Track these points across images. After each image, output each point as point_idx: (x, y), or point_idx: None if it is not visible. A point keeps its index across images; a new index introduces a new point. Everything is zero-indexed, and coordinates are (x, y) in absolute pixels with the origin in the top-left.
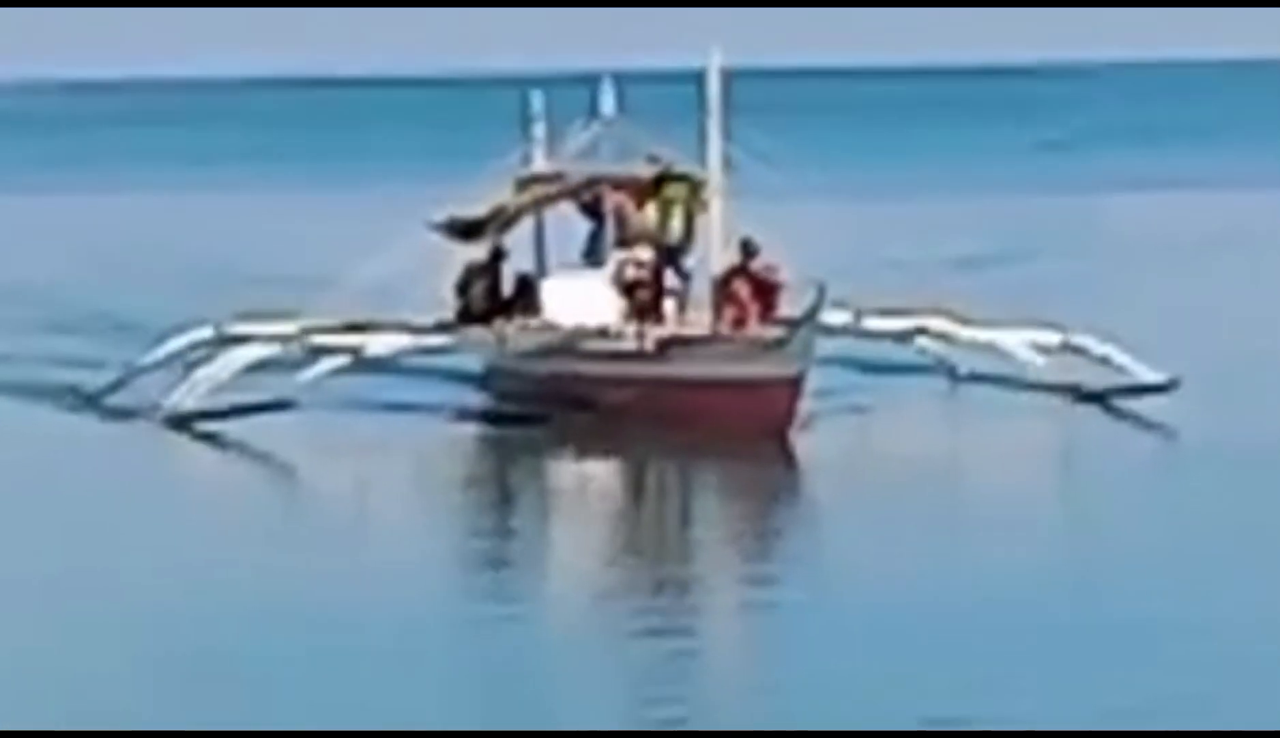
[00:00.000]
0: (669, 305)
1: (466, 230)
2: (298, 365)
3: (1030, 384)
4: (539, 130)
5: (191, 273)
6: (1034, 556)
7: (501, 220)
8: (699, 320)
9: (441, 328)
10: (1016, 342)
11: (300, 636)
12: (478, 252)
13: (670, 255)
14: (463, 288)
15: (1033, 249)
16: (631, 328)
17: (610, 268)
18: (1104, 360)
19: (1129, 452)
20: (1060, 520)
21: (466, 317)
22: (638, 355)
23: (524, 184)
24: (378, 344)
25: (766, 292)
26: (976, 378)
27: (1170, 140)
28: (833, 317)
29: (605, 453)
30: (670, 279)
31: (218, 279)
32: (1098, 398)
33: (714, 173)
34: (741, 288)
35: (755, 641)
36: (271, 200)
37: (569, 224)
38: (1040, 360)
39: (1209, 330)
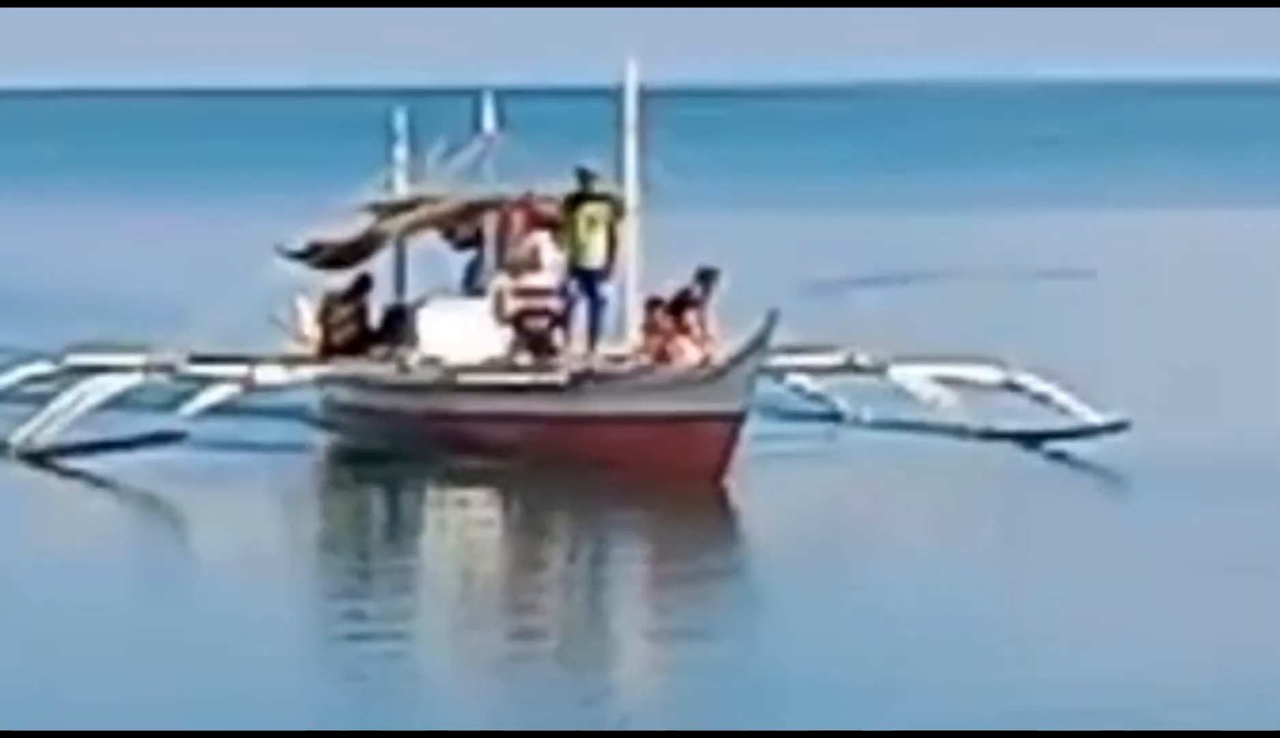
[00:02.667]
0: (578, 335)
1: (333, 258)
2: (168, 397)
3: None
4: (401, 152)
5: (9, 298)
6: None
7: (369, 247)
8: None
9: (329, 356)
10: (924, 379)
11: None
12: (338, 280)
13: (589, 280)
14: (324, 318)
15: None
16: (524, 360)
17: (490, 297)
18: (1043, 399)
19: (1071, 494)
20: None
21: (329, 350)
22: (542, 389)
23: (384, 210)
24: (269, 373)
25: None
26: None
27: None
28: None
29: (496, 494)
30: (583, 307)
31: (41, 305)
32: (1030, 439)
33: (631, 191)
34: (665, 319)
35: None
36: (95, 218)
37: (431, 253)
38: (945, 399)
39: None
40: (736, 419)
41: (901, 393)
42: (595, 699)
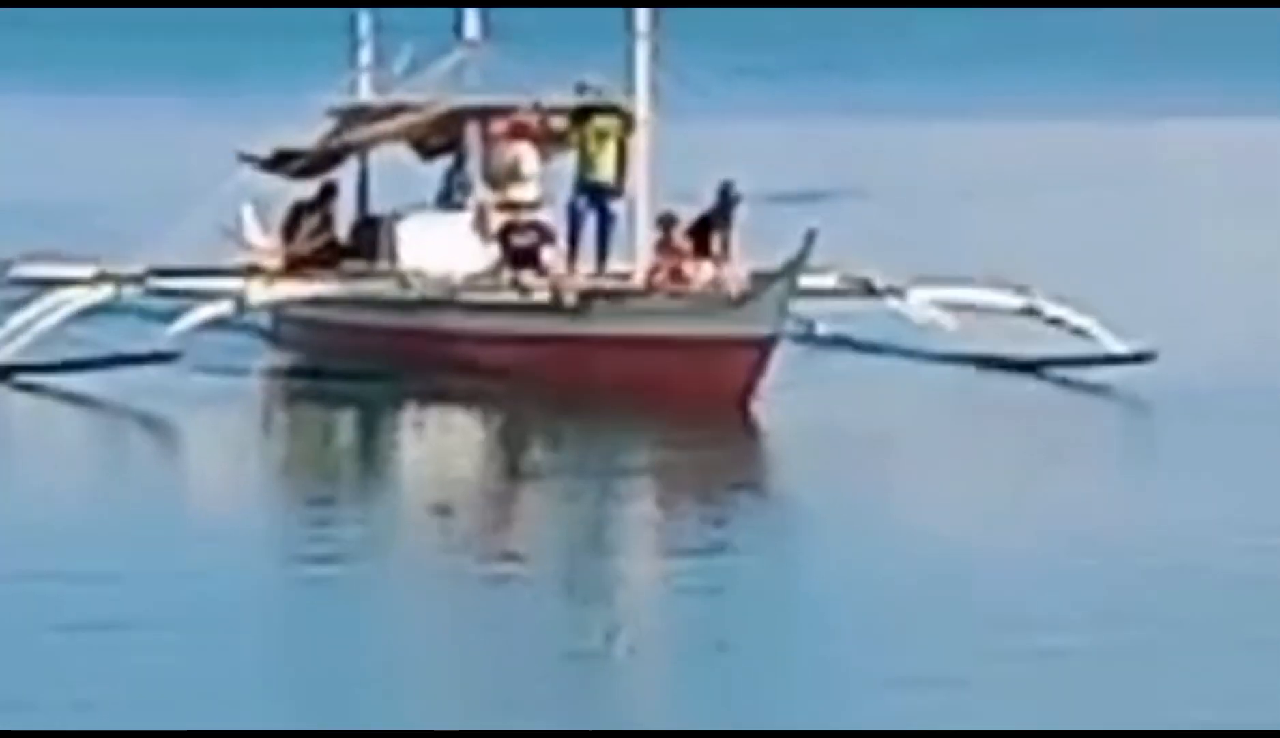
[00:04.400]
0: (586, 253)
1: (306, 168)
2: (145, 312)
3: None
4: (365, 55)
5: None
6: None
7: (343, 155)
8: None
9: (296, 269)
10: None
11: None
12: (302, 189)
13: (598, 196)
14: (289, 229)
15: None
16: (511, 276)
17: (472, 211)
18: (1065, 325)
19: (1099, 423)
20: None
21: (296, 262)
22: (547, 309)
23: (356, 116)
24: (264, 290)
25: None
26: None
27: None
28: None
29: (493, 419)
30: (592, 224)
31: None
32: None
33: (642, 102)
34: (682, 239)
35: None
36: (41, 121)
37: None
38: (948, 323)
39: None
40: (766, 344)
41: (896, 315)
42: (593, 632)
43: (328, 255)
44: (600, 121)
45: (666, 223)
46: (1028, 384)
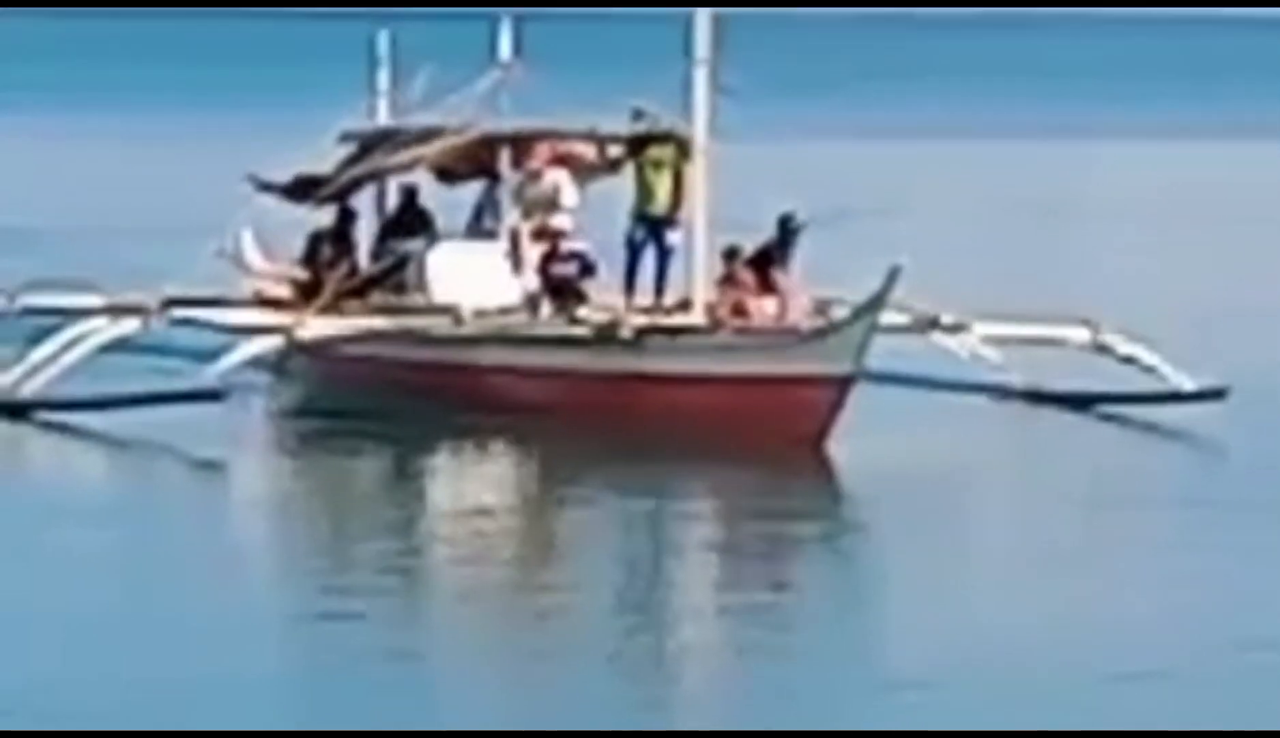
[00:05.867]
0: (644, 287)
1: (333, 194)
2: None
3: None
4: (384, 77)
5: None
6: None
7: (360, 181)
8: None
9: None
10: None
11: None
12: (322, 217)
13: (655, 228)
14: (309, 259)
15: None
16: (548, 310)
17: (505, 241)
18: (1132, 362)
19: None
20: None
21: (315, 292)
22: (601, 343)
23: (369, 141)
24: (313, 326)
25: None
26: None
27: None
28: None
29: (540, 459)
30: (650, 256)
31: None
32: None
33: (700, 130)
34: (745, 273)
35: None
36: (56, 144)
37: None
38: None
39: None
40: (844, 383)
41: (941, 349)
42: (644, 681)
43: (354, 286)
44: (656, 150)
45: (731, 256)
46: (1091, 421)
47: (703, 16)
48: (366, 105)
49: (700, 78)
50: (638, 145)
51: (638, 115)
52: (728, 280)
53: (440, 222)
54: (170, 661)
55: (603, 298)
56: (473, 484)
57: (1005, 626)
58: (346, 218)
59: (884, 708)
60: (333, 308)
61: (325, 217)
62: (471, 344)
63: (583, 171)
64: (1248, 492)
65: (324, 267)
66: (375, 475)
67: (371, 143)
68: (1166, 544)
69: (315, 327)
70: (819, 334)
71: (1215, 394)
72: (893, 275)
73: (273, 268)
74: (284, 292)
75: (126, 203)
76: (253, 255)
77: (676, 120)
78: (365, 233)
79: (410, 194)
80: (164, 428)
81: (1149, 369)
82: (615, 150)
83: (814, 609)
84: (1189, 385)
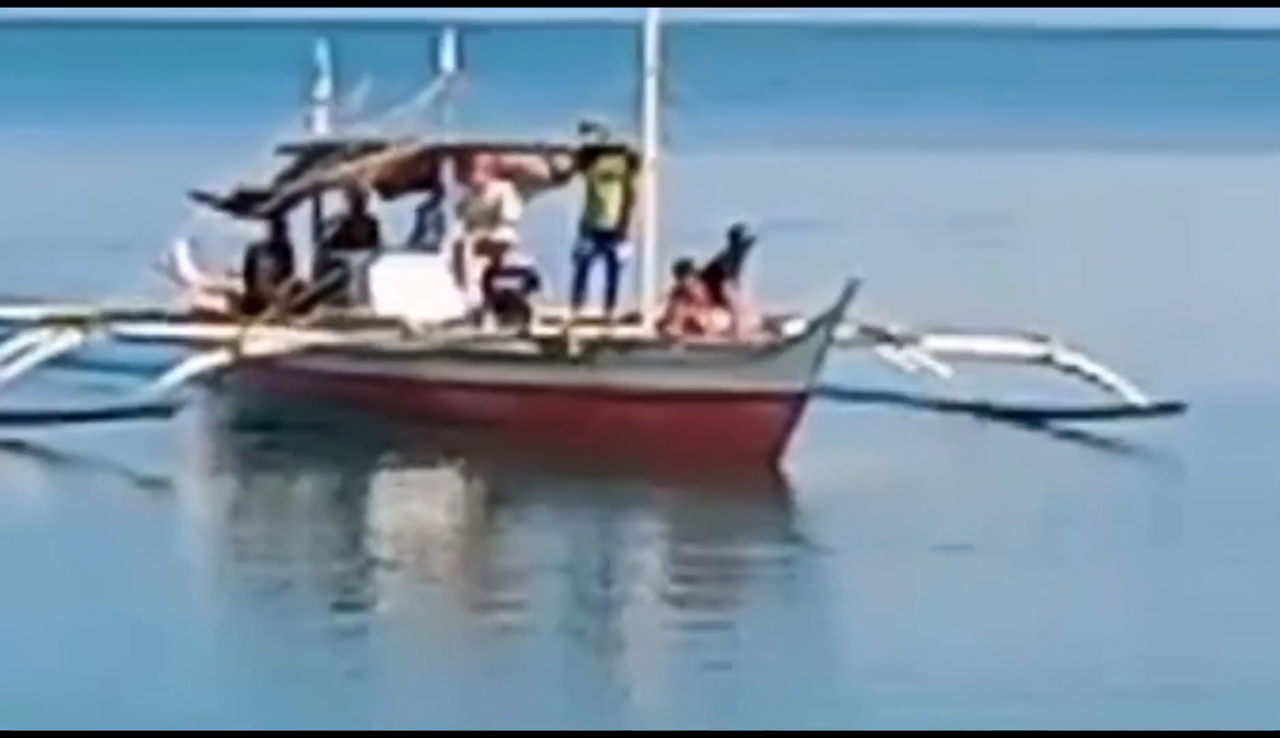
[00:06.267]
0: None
1: (276, 207)
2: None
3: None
4: (323, 88)
5: None
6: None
7: (304, 194)
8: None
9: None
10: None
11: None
12: (257, 230)
13: (603, 242)
14: (248, 272)
15: None
16: (494, 325)
17: (448, 255)
18: (1085, 376)
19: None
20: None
21: (257, 306)
22: (547, 359)
23: (310, 153)
24: (260, 340)
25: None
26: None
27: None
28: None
29: (485, 474)
30: (599, 270)
31: None
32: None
33: (650, 142)
34: (697, 287)
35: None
36: None
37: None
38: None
39: None
40: (799, 399)
41: (887, 362)
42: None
43: (297, 299)
44: (606, 163)
45: (683, 269)
46: (1044, 437)
47: (652, 26)
48: (304, 117)
49: (650, 88)
50: (587, 158)
51: (586, 128)
52: (679, 294)
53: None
54: (107, 681)
55: (547, 312)
56: (416, 502)
57: (958, 643)
58: (280, 229)
59: (834, 720)
60: (279, 321)
61: (259, 230)
62: (418, 358)
63: (527, 185)
64: (1203, 508)
65: (264, 280)
66: (319, 494)
67: (310, 156)
68: (1120, 561)
69: (263, 341)
70: (773, 349)
71: (1171, 409)
72: (850, 289)
73: (207, 280)
74: (220, 304)
75: (64, 215)
76: (187, 267)
77: (624, 132)
78: (302, 244)
79: (358, 203)
80: (104, 443)
81: (1103, 384)
82: (564, 163)
83: (764, 627)
84: (1143, 401)
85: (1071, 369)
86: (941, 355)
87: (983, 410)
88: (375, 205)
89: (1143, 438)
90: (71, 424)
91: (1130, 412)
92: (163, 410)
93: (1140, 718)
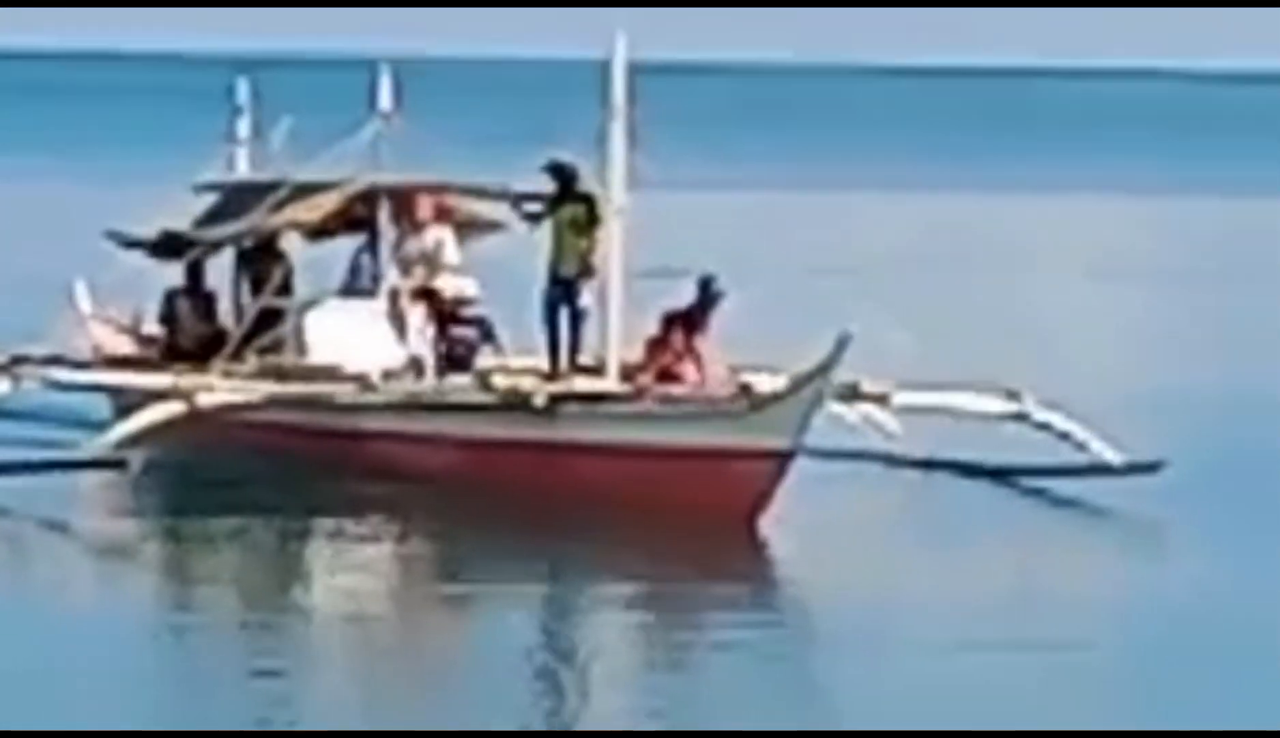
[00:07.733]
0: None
1: (203, 254)
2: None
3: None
4: (244, 126)
5: None
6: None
7: (235, 239)
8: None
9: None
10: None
11: None
12: (172, 273)
13: (568, 289)
14: (167, 317)
15: None
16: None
17: (384, 301)
18: (1060, 435)
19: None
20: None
21: (176, 353)
22: (508, 410)
23: (231, 194)
24: (216, 394)
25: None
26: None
27: None
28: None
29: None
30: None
31: None
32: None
33: (617, 187)
34: (677, 336)
35: None
36: None
37: None
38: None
39: None
40: (785, 457)
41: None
42: None
43: (212, 345)
44: (570, 210)
45: (669, 322)
46: (1014, 495)
47: (619, 66)
48: (225, 155)
49: (616, 131)
50: (554, 204)
51: (556, 169)
52: (660, 343)
53: (309, 278)
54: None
55: (498, 362)
56: (352, 575)
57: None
58: (197, 273)
59: None
60: (213, 369)
61: (174, 273)
62: (367, 410)
63: (467, 228)
64: (1175, 568)
65: (185, 326)
66: (265, 550)
67: (230, 195)
68: (1094, 613)
69: (217, 393)
70: (757, 404)
71: (1147, 468)
72: (841, 343)
73: (104, 319)
74: (125, 346)
75: None
76: (84, 306)
77: (589, 176)
78: (218, 285)
79: (269, 242)
80: (46, 494)
81: (1075, 442)
82: (534, 207)
83: (729, 688)
84: (1117, 460)
85: (1044, 426)
86: (910, 410)
87: (949, 467)
88: (296, 246)
89: (1113, 496)
90: (16, 476)
91: (1105, 470)
92: (117, 463)
93: None
